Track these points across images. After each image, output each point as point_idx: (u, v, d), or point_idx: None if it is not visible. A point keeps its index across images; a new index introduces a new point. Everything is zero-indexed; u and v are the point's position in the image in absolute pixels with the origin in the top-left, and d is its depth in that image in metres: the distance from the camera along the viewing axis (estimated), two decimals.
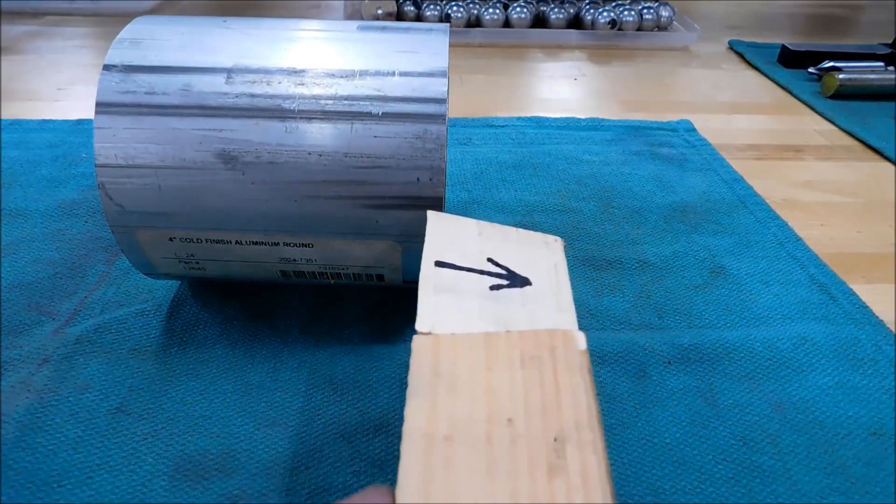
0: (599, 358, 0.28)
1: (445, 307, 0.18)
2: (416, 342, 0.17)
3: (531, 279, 0.20)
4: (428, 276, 0.19)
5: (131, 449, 0.23)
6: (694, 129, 0.51)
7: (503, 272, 0.20)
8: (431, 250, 0.20)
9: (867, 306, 0.31)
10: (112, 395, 0.25)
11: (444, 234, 0.21)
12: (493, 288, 0.19)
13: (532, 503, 0.13)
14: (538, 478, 0.13)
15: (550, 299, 0.19)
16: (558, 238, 0.22)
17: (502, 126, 0.50)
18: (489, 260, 0.20)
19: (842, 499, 0.22)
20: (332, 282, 0.27)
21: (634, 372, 0.27)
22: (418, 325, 0.17)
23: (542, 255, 0.21)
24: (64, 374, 0.26)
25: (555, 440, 0.14)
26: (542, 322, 0.18)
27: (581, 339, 0.17)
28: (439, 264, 0.19)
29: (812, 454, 0.24)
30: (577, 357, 0.16)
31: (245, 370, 0.27)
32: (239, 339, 0.28)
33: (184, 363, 0.27)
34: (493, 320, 0.18)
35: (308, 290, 0.31)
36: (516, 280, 0.19)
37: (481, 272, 0.19)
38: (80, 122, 0.47)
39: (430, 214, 0.21)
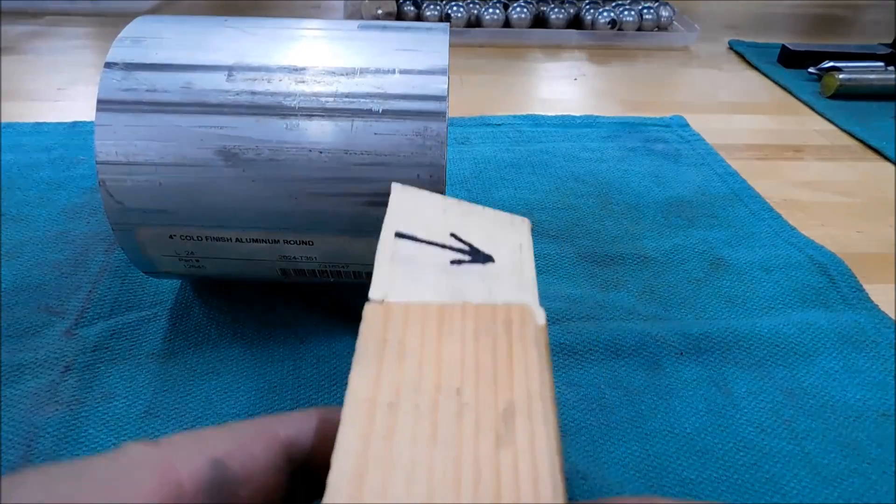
0: (613, 351, 0.28)
1: (402, 277, 0.18)
2: (367, 309, 0.16)
3: (494, 257, 0.19)
4: (386, 245, 0.19)
5: None
6: (687, 125, 0.51)
7: (465, 248, 0.19)
8: (392, 221, 0.20)
9: (864, 289, 0.32)
10: (138, 401, 0.25)
11: (408, 206, 0.20)
12: (453, 262, 0.19)
13: (476, 470, 0.13)
14: (484, 447, 0.13)
15: (511, 277, 0.19)
16: (525, 219, 0.22)
17: (499, 125, 0.50)
18: (452, 235, 0.20)
19: (861, 479, 0.23)
20: (333, 280, 0.27)
21: (649, 364, 0.28)
22: (371, 294, 0.17)
23: (508, 234, 0.21)
24: (88, 383, 0.26)
25: (504, 411, 0.14)
26: (500, 297, 0.18)
27: (540, 314, 0.17)
28: (399, 235, 0.19)
29: (828, 437, 0.24)
30: (533, 331, 0.16)
31: (265, 369, 0.27)
32: (255, 338, 0.28)
33: (203, 363, 0.27)
34: (450, 293, 0.17)
35: (313, 288, 0.31)
36: (479, 256, 0.19)
37: (443, 246, 0.19)
38: (74, 124, 0.47)
39: (395, 186, 0.21)
